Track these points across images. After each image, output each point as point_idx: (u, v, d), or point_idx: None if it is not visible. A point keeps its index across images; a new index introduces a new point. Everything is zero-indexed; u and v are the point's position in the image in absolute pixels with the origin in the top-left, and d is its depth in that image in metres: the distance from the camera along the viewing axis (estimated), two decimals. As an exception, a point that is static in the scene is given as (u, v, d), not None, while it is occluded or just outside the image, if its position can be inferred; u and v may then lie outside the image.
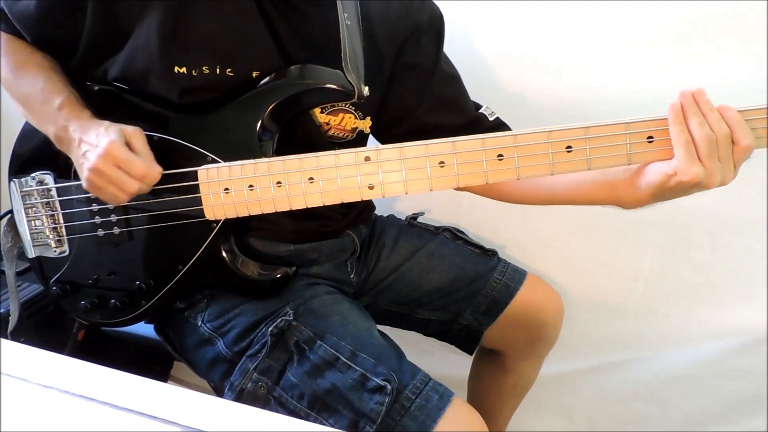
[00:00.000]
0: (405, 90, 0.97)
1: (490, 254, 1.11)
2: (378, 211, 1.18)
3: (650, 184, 0.74)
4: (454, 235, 1.13)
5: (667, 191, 0.74)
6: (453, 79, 1.01)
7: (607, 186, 0.82)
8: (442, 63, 0.99)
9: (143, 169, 0.78)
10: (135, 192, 0.79)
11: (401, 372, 0.81)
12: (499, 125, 1.00)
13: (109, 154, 0.76)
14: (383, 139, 1.03)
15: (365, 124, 0.96)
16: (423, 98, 0.98)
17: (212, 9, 0.83)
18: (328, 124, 0.93)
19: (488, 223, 1.38)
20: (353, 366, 0.80)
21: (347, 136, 0.96)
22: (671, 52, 1.13)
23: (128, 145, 0.79)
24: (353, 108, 0.94)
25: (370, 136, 1.02)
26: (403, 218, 1.18)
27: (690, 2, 1.09)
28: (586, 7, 1.16)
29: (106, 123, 0.81)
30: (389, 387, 0.77)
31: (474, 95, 1.02)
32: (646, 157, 0.74)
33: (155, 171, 0.80)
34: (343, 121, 0.94)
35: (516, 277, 1.08)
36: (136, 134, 0.80)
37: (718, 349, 1.30)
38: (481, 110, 1.00)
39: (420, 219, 1.18)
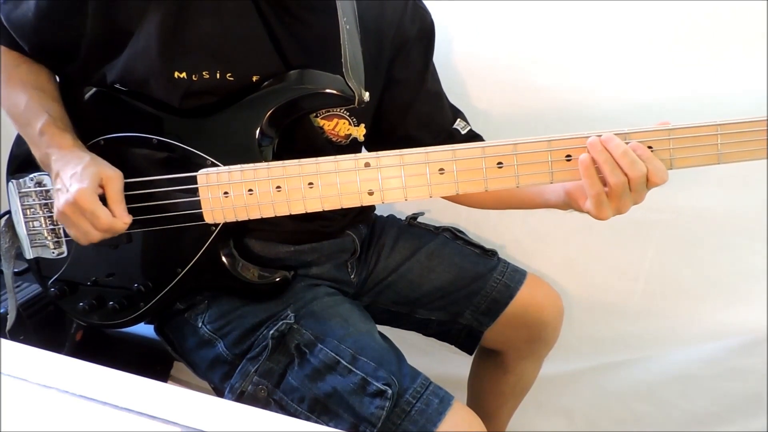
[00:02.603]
0: (393, 103, 0.99)
1: (490, 254, 1.11)
2: (378, 212, 1.18)
3: (575, 209, 0.83)
4: (454, 235, 1.13)
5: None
6: (434, 96, 1.02)
7: (543, 198, 0.91)
8: (428, 79, 1.01)
9: (106, 224, 0.77)
10: (98, 240, 0.80)
11: (402, 376, 0.81)
12: (472, 137, 1.04)
13: (75, 203, 0.76)
14: (368, 147, 1.03)
15: (359, 132, 0.96)
16: (407, 114, 1.00)
17: (211, 13, 0.82)
18: (321, 128, 0.93)
19: (488, 223, 1.38)
20: (354, 370, 0.80)
21: (340, 141, 0.96)
22: (672, 53, 1.13)
23: (103, 188, 0.78)
24: (347, 114, 0.94)
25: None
26: (403, 218, 1.18)
27: (690, 3, 1.09)
28: (587, 9, 1.16)
29: (87, 159, 0.79)
30: (390, 391, 0.77)
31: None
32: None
33: (119, 224, 0.78)
34: (337, 126, 0.94)
35: (516, 277, 1.08)
36: (113, 179, 0.79)
37: (718, 349, 1.30)
38: (455, 125, 1.03)
39: (420, 219, 1.17)
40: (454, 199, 1.08)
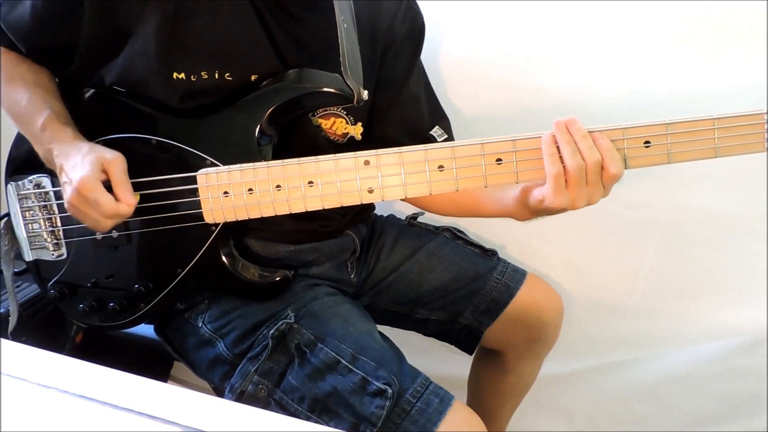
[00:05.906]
0: (379, 101, 0.98)
1: (490, 254, 1.11)
2: (378, 211, 1.18)
3: (528, 205, 0.81)
4: (453, 234, 1.13)
5: (541, 211, 0.80)
6: (414, 99, 1.02)
7: (502, 202, 0.89)
8: (411, 81, 1.00)
9: (110, 211, 0.77)
10: (110, 226, 0.80)
11: (402, 375, 0.81)
12: None
13: (79, 192, 0.76)
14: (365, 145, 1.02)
15: (356, 131, 0.96)
16: (387, 114, 0.99)
17: (209, 13, 0.82)
18: (320, 127, 0.93)
19: (488, 223, 1.38)
20: (354, 369, 0.80)
21: (338, 140, 0.96)
22: (671, 52, 1.14)
23: (106, 173, 0.78)
24: (344, 112, 0.94)
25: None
26: (403, 218, 1.18)
27: (689, 2, 1.09)
28: (587, 8, 1.16)
29: (85, 148, 0.79)
30: (390, 391, 0.77)
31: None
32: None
33: (124, 208, 0.78)
34: (334, 125, 0.94)
35: (516, 277, 1.08)
36: (114, 162, 0.78)
37: (718, 349, 1.30)
38: (432, 131, 1.02)
39: (420, 219, 1.17)
40: (416, 202, 1.07)
